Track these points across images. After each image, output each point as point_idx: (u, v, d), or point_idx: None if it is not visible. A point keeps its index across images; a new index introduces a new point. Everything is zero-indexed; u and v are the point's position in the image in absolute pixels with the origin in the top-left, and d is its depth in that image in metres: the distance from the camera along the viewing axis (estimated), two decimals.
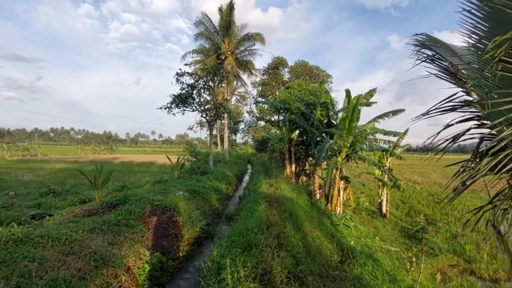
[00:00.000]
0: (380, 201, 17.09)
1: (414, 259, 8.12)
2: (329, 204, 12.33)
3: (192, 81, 12.47)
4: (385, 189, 17.26)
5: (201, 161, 17.67)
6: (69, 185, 10.87)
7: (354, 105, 10.39)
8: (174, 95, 12.20)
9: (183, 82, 12.54)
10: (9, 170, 29.12)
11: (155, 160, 43.77)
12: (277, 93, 31.39)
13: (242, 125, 48.19)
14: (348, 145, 11.50)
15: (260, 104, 34.63)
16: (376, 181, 24.38)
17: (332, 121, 13.05)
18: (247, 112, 42.24)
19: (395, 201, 19.49)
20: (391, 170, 15.44)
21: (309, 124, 13.35)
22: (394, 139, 15.59)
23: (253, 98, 38.08)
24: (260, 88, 36.04)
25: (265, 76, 36.51)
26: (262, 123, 37.58)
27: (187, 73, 12.20)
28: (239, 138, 55.07)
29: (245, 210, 6.33)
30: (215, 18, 29.55)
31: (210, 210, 7.62)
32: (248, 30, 30.34)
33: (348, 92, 13.91)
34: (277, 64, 36.01)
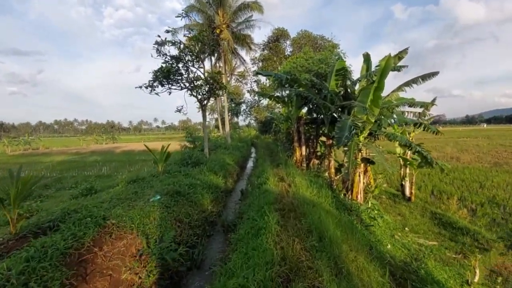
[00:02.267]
0: (402, 182, 15.16)
1: (477, 267, 6.19)
2: (349, 192, 10.41)
3: (177, 51, 10.11)
4: (408, 169, 15.26)
5: (199, 147, 15.62)
6: (38, 187, 8.93)
7: (383, 68, 8.00)
8: (155, 70, 9.91)
9: (165, 54, 10.20)
10: (7, 166, 27.84)
11: (157, 147, 42.08)
12: (279, 68, 28.61)
13: (243, 107, 45.71)
14: (373, 120, 9.25)
15: (262, 81, 31.99)
16: (389, 159, 22.35)
17: (350, 92, 10.70)
18: (248, 91, 39.55)
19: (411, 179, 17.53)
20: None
21: (321, 97, 11.02)
22: (419, 110, 13.26)
23: (253, 75, 35.31)
24: (260, 64, 33.15)
25: (266, 51, 33.47)
26: (265, 102, 35.07)
27: (169, 41, 9.81)
28: (241, 120, 52.76)
29: (246, 224, 4.22)
30: None
31: (199, 219, 5.48)
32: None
33: (366, 57, 11.44)
34: (278, 37, 32.82)
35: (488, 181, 17.20)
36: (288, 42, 33.46)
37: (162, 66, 9.71)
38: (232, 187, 10.44)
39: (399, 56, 10.11)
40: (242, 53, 32.07)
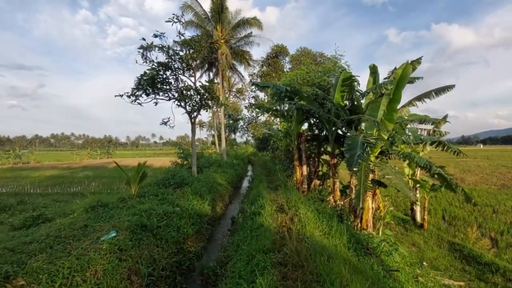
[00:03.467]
0: (413, 207, 13.85)
1: None
2: (358, 220, 9.04)
3: (165, 57, 9.00)
4: (418, 192, 14.01)
5: (189, 164, 14.25)
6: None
7: (399, 77, 6.89)
8: (138, 77, 8.73)
9: (152, 60, 9.10)
10: None
11: (152, 163, 40.52)
12: (278, 83, 27.89)
13: (241, 123, 44.85)
14: (386, 136, 8.05)
15: (260, 97, 31.19)
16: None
17: (357, 105, 9.58)
18: (246, 107, 38.84)
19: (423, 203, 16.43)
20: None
21: (324, 111, 9.88)
22: (430, 127, 12.27)
23: (251, 91, 34.71)
24: (259, 80, 32.59)
25: (264, 67, 33.03)
26: (263, 118, 34.21)
27: (156, 46, 8.73)
28: (238, 137, 51.75)
29: (229, 286, 2.84)
30: (206, 4, 26.40)
31: (168, 266, 3.96)
32: (243, 16, 27.06)
33: (373, 69, 10.44)
34: (277, 53, 32.52)
35: (501, 205, 16.33)
36: (287, 59, 33.13)
37: (145, 72, 8.55)
38: (222, 212, 8.89)
39: (413, 66, 9.07)
40: (241, 69, 31.68)
